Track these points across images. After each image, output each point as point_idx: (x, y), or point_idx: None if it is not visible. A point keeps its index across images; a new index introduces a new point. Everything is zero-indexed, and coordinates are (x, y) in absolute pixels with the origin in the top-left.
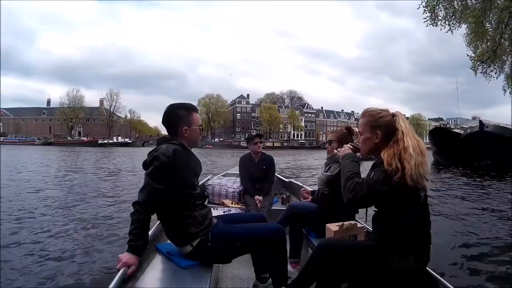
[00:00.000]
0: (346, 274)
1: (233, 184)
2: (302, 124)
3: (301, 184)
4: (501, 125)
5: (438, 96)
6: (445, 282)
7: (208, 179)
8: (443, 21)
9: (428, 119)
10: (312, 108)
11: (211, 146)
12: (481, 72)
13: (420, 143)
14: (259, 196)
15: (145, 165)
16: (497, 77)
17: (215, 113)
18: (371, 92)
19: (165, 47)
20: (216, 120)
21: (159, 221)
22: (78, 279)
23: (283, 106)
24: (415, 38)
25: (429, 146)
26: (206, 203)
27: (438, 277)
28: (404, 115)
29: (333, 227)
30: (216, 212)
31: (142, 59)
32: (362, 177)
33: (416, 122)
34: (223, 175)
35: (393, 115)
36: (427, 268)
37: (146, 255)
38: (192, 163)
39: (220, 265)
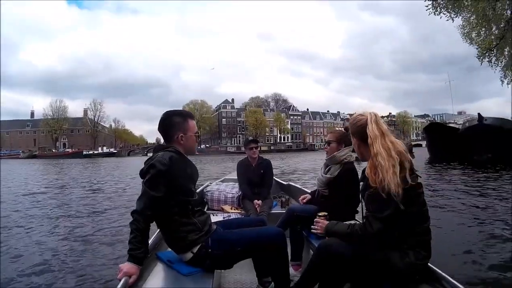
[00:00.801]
0: (348, 275)
1: (232, 189)
2: (288, 126)
3: (299, 187)
4: (499, 117)
5: (421, 93)
6: (447, 277)
7: (207, 186)
8: (445, 9)
9: (414, 116)
10: (298, 110)
11: (197, 153)
12: (487, 61)
13: (394, 145)
14: (258, 200)
15: (142, 173)
16: (495, 69)
17: (200, 119)
18: (355, 92)
19: (148, 55)
20: (202, 126)
21: (159, 229)
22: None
23: (269, 110)
24: (398, 37)
25: (418, 142)
26: (205, 210)
27: (440, 272)
28: (390, 113)
29: None
30: (216, 218)
31: (125, 68)
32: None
33: (402, 120)
34: (221, 181)
35: (367, 118)
36: (429, 264)
37: (147, 264)
38: (188, 170)
39: (222, 270)
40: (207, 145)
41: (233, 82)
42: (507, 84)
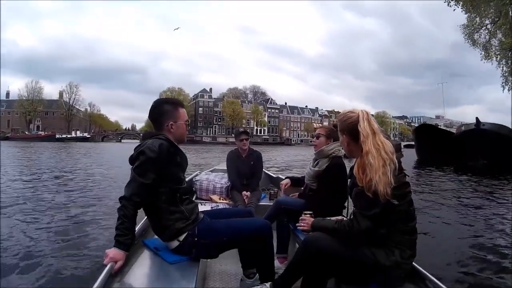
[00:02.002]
0: (333, 270)
1: (221, 179)
2: (266, 119)
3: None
4: (496, 123)
5: (399, 95)
6: (431, 277)
7: (196, 175)
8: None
9: (393, 116)
10: (276, 104)
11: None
12: (496, 61)
13: (384, 145)
14: (247, 191)
15: (132, 159)
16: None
17: None
18: (333, 90)
19: (128, 41)
20: None
21: (146, 217)
22: (64, 275)
23: (246, 101)
24: (379, 39)
25: (410, 143)
26: (194, 199)
27: (425, 272)
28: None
29: None
30: (204, 207)
31: (105, 53)
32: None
33: (380, 120)
34: (211, 171)
35: (358, 115)
36: (413, 263)
37: (134, 251)
38: (178, 158)
39: (208, 260)
40: None
41: (212, 72)
42: (508, 90)
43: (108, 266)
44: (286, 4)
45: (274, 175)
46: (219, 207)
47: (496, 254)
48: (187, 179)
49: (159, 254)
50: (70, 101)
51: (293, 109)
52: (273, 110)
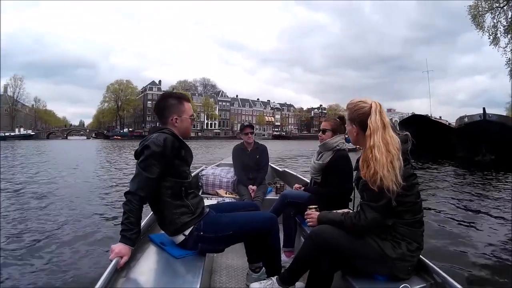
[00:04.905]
0: (339, 262)
1: (227, 174)
2: (217, 112)
3: (295, 174)
4: (502, 115)
5: (348, 88)
6: (439, 270)
7: (202, 169)
8: None
9: (345, 109)
10: (227, 97)
11: (119, 137)
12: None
13: (393, 140)
14: (253, 185)
15: (136, 154)
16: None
17: (124, 100)
18: (282, 83)
19: (80, 34)
20: (126, 109)
21: (152, 211)
22: (70, 271)
23: (197, 94)
24: (331, 33)
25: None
26: (200, 193)
27: (432, 265)
28: (321, 105)
29: None
30: (210, 202)
31: (56, 47)
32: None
33: (334, 112)
34: (217, 165)
35: (370, 106)
36: (421, 256)
37: (139, 245)
38: (183, 152)
39: (214, 254)
40: (130, 129)
41: (162, 66)
42: None
43: (114, 261)
44: None
45: (280, 169)
46: (226, 202)
47: (505, 248)
48: (193, 174)
49: (165, 249)
50: (14, 95)
51: (244, 102)
52: (224, 103)
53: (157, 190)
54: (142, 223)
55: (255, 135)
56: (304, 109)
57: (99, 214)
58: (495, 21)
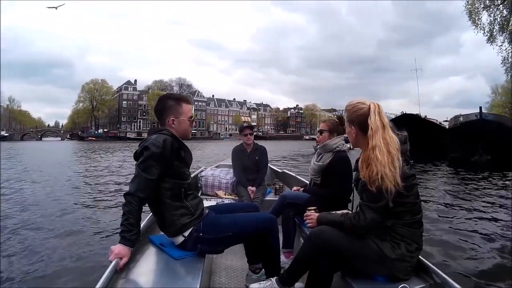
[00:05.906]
0: (339, 263)
1: (226, 175)
2: (192, 112)
3: (294, 175)
4: (498, 114)
5: (323, 89)
6: (437, 270)
7: (201, 171)
8: None
9: (322, 110)
10: (203, 96)
11: (94, 138)
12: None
13: (393, 141)
14: (252, 186)
15: (136, 155)
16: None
17: (99, 100)
18: (258, 83)
19: (57, 32)
20: (100, 109)
21: (151, 213)
22: (70, 272)
23: None
24: (307, 34)
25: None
26: (199, 195)
27: (432, 266)
28: (297, 105)
29: None
30: (209, 203)
31: (31, 45)
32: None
33: (310, 113)
34: (216, 167)
35: (369, 107)
36: (420, 257)
37: (139, 247)
38: (182, 153)
39: (213, 255)
40: (105, 130)
41: (138, 66)
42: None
43: (114, 262)
44: None
45: (279, 170)
46: (225, 203)
47: (505, 248)
48: (192, 175)
49: (165, 250)
50: None
51: (220, 102)
52: (200, 103)
53: (156, 191)
54: (142, 224)
55: (231, 136)
56: (281, 109)
57: (97, 215)
58: (491, 18)
